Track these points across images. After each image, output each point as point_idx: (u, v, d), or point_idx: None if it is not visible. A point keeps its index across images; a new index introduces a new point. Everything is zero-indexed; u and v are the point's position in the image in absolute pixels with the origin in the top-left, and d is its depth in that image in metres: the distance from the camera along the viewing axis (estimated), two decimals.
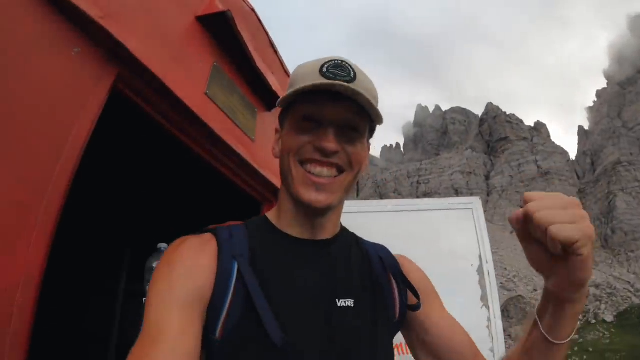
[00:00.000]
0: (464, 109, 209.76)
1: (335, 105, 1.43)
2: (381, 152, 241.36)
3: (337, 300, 1.46)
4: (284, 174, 1.54)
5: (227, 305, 1.32)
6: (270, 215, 1.65)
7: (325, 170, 1.45)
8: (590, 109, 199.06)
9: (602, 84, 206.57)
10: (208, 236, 1.47)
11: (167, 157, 4.61)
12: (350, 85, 1.36)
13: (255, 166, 3.79)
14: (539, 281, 73.54)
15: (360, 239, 1.80)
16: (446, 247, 4.59)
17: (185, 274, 1.32)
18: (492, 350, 4.13)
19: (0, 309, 1.70)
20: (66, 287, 6.06)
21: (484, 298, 4.36)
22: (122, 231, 6.48)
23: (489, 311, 4.30)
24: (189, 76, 3.00)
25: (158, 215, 6.07)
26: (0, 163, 1.74)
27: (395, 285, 1.66)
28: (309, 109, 1.45)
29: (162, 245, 3.66)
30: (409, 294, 1.66)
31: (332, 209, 1.54)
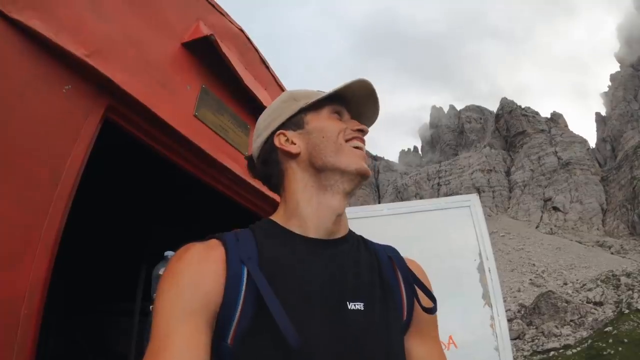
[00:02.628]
0: (479, 107, 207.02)
1: (349, 107, 1.81)
2: (399, 157, 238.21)
3: (347, 302, 1.46)
4: (330, 153, 1.64)
5: (238, 311, 1.33)
6: (277, 217, 1.67)
7: (364, 145, 1.73)
8: (605, 94, 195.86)
9: (615, 67, 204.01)
10: (214, 242, 1.47)
11: (166, 179, 4.80)
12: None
13: (250, 181, 3.89)
14: (569, 274, 72.45)
15: (368, 240, 1.81)
16: (445, 247, 4.58)
17: (192, 281, 1.33)
18: (497, 349, 4.10)
19: (7, 319, 1.89)
20: (87, 302, 6.30)
21: (485, 296, 4.32)
22: (137, 247, 6.64)
23: (491, 309, 4.25)
24: (177, 100, 3.20)
25: (171, 231, 6.11)
26: (4, 188, 1.98)
27: (403, 286, 1.66)
28: (337, 107, 1.77)
29: (169, 253, 3.65)
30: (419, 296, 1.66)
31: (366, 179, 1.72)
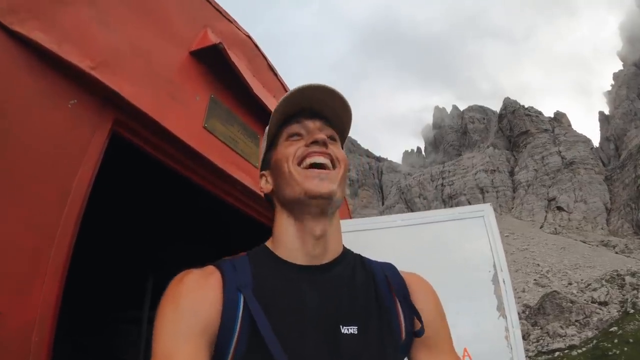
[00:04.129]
0: (482, 107, 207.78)
1: (313, 120, 1.68)
2: (402, 158, 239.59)
3: (341, 327, 1.45)
4: (284, 185, 1.60)
5: (236, 335, 1.34)
6: (269, 244, 1.68)
7: (322, 158, 1.58)
8: (608, 93, 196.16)
9: (618, 66, 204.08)
10: (211, 269, 1.49)
11: (174, 192, 4.77)
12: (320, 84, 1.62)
13: (260, 192, 3.79)
14: (573, 274, 72.62)
15: (366, 259, 1.77)
16: (459, 259, 4.47)
17: (192, 306, 1.35)
18: None
19: (17, 347, 1.82)
20: (95, 314, 6.26)
21: (500, 308, 4.20)
22: (144, 259, 6.62)
23: (506, 320, 4.13)
24: (186, 112, 3.12)
25: (178, 242, 6.21)
26: (10, 212, 1.90)
27: (399, 306, 1.63)
28: (290, 128, 1.67)
29: None
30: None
31: (335, 203, 1.59)
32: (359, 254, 1.78)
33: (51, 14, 2.21)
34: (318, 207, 1.55)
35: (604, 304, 54.42)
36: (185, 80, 3.18)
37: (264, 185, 1.74)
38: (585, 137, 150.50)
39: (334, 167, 1.60)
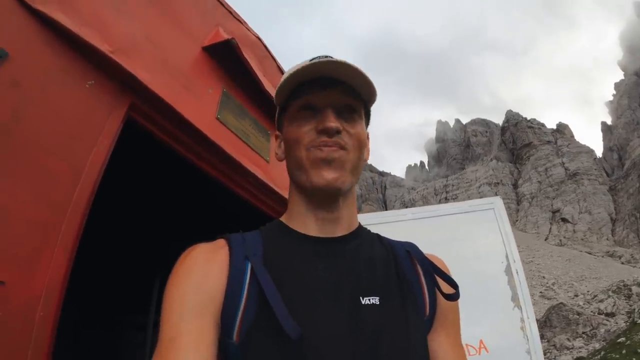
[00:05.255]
0: (484, 120, 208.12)
1: (329, 90, 1.50)
2: (406, 172, 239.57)
3: (361, 297, 1.38)
4: (294, 167, 1.54)
5: (241, 307, 1.30)
6: (284, 217, 1.63)
7: (330, 152, 1.46)
8: (610, 102, 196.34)
9: (619, 75, 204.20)
10: (220, 242, 1.46)
11: (186, 183, 4.74)
12: (338, 59, 1.46)
13: (273, 186, 3.85)
14: (579, 286, 72.22)
15: (384, 237, 1.70)
16: (470, 251, 4.47)
17: (196, 283, 1.31)
18: (528, 352, 3.99)
19: (21, 321, 1.79)
20: (101, 316, 6.23)
21: (514, 298, 4.20)
22: (152, 259, 6.54)
23: (521, 311, 4.14)
24: (199, 103, 3.13)
25: (184, 241, 5.99)
26: (22, 185, 1.89)
27: (423, 280, 1.55)
28: (303, 99, 1.52)
29: None
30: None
31: (344, 190, 1.50)
32: (377, 233, 1.72)
33: None
34: (326, 195, 1.50)
35: (611, 314, 54.08)
36: (198, 74, 3.22)
37: (278, 150, 1.69)
38: (588, 147, 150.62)
39: (341, 147, 1.49)
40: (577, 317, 53.02)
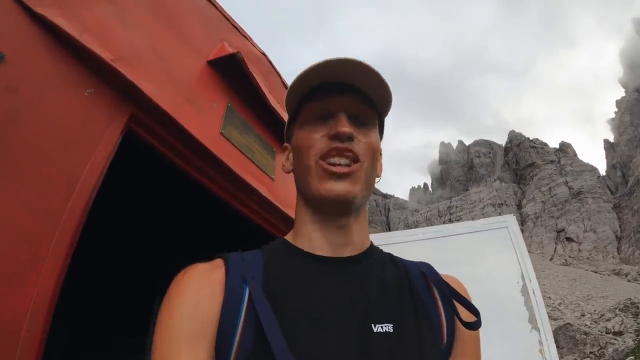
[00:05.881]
0: (487, 141, 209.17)
1: (342, 96, 1.42)
2: (409, 194, 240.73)
3: (372, 324, 1.26)
4: (302, 177, 1.44)
5: (238, 333, 1.19)
6: (289, 235, 1.52)
7: (343, 159, 1.36)
8: (612, 120, 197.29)
9: (620, 93, 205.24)
10: (217, 262, 1.35)
11: (187, 200, 4.62)
12: (355, 59, 1.36)
13: (277, 204, 3.73)
14: (586, 306, 72.00)
15: (397, 257, 1.57)
16: (484, 272, 4.28)
17: (189, 309, 1.21)
18: None
19: (5, 340, 1.66)
20: (95, 334, 6.07)
21: (532, 320, 4.03)
22: (152, 277, 6.33)
23: (539, 333, 3.95)
24: (203, 117, 3.04)
25: (185, 257, 5.85)
26: (12, 194, 1.78)
27: (441, 305, 1.41)
28: (315, 105, 1.44)
29: None
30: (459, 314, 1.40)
31: (355, 205, 1.39)
32: (389, 252, 1.58)
33: (73, 4, 2.17)
34: (335, 209, 1.39)
35: (619, 333, 54.03)
36: (202, 87, 3.13)
37: (285, 162, 1.59)
38: (591, 166, 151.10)
39: (356, 162, 1.38)
40: (585, 337, 52.97)
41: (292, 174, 1.56)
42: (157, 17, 2.84)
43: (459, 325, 1.40)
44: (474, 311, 1.38)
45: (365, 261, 1.42)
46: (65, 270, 1.94)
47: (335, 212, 1.40)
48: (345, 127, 1.36)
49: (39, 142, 1.90)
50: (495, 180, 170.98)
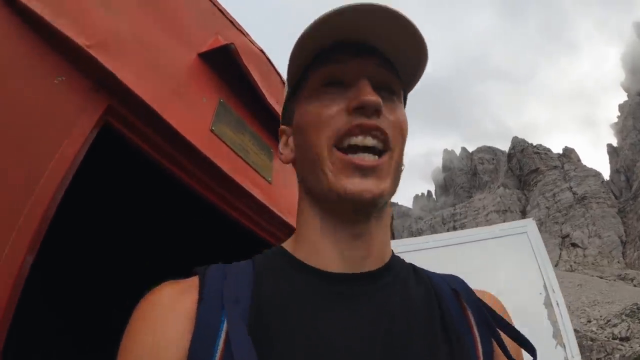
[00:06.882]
0: (490, 147, 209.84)
1: (363, 58, 1.10)
2: (413, 202, 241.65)
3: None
4: (309, 168, 1.12)
5: None
6: (288, 243, 1.23)
7: (369, 139, 1.05)
8: (615, 124, 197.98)
9: (623, 97, 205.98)
10: (191, 281, 1.07)
11: (173, 201, 4.24)
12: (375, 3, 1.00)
13: (275, 210, 3.40)
14: (592, 311, 71.83)
15: (420, 268, 1.28)
16: (503, 282, 3.86)
17: (151, 345, 0.95)
18: None
19: None
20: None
21: (556, 335, 3.69)
22: (141, 280, 6.00)
23: (565, 350, 3.63)
24: (191, 111, 2.76)
25: (175, 262, 5.56)
26: None
27: (476, 331, 1.12)
28: (329, 69, 1.11)
29: None
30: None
31: (381, 204, 1.10)
32: (411, 263, 1.29)
33: None
34: (356, 212, 1.09)
35: (626, 339, 54.02)
36: (191, 81, 2.85)
37: (283, 149, 1.27)
38: (595, 170, 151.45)
39: (385, 149, 1.08)
40: (591, 343, 52.96)
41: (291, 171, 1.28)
42: (145, 5, 2.57)
43: (497, 352, 1.12)
44: (530, 348, 1.12)
45: (387, 277, 1.14)
46: (24, 277, 1.64)
47: (353, 216, 1.10)
48: (372, 95, 1.03)
49: None
50: (499, 187, 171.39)
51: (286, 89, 1.27)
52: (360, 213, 1.09)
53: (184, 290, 1.03)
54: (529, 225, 4.24)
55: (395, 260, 1.22)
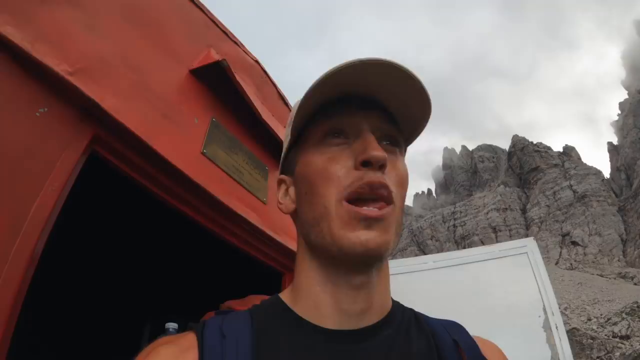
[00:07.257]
0: (490, 145, 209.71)
1: (365, 112, 1.11)
2: (413, 200, 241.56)
3: None
4: (312, 223, 1.09)
5: None
6: (286, 295, 1.20)
7: (373, 196, 1.04)
8: (615, 122, 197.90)
9: (623, 95, 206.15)
10: (187, 342, 1.02)
11: (168, 227, 4.23)
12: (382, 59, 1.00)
13: (270, 232, 3.35)
14: (592, 310, 71.80)
15: (422, 315, 1.26)
16: (502, 304, 3.90)
17: None
18: None
19: None
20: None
21: (555, 359, 3.66)
22: (141, 307, 5.94)
23: None
24: (182, 135, 2.69)
25: (176, 288, 5.62)
26: None
27: None
28: (335, 121, 1.11)
29: (171, 326, 3.32)
30: None
31: (385, 256, 1.06)
32: (412, 309, 1.26)
33: (27, 10, 1.84)
34: (359, 264, 1.06)
35: (626, 337, 54.01)
36: (182, 100, 2.78)
37: (283, 199, 1.24)
38: (595, 169, 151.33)
39: (388, 203, 1.06)
40: (592, 341, 52.96)
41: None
42: (131, 22, 2.46)
43: None
44: None
45: (387, 330, 1.11)
46: (13, 327, 1.59)
47: (354, 268, 1.07)
48: (379, 151, 1.03)
49: None
50: (499, 185, 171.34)
51: (287, 138, 1.25)
52: (363, 265, 1.06)
53: (181, 350, 1.00)
54: (530, 244, 4.22)
55: (396, 310, 1.20)
